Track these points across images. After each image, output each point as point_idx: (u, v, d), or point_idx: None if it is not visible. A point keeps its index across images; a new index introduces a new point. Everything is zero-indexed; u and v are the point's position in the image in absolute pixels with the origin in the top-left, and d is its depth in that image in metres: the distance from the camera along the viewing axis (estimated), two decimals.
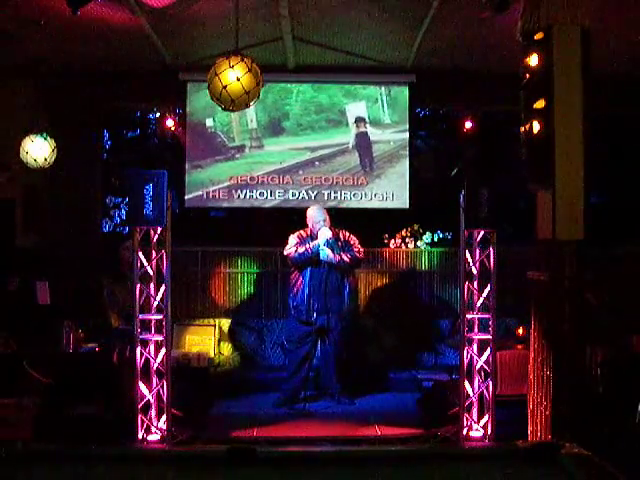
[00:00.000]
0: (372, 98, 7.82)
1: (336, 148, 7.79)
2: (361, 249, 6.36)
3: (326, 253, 6.19)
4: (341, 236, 6.34)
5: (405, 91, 7.78)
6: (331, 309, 6.17)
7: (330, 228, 6.31)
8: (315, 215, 6.36)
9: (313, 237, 6.31)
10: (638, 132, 8.40)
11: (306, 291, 6.20)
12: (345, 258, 6.22)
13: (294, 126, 7.80)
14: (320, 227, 6.25)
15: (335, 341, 6.25)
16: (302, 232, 6.40)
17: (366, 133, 7.81)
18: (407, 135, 7.82)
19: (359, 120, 7.81)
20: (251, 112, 7.67)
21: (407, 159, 7.80)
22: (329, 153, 7.78)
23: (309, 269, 6.24)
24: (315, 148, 7.79)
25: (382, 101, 7.82)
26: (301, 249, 6.23)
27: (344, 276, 6.29)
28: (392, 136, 7.83)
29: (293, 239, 6.36)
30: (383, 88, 7.80)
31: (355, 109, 7.81)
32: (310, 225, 6.38)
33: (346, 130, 7.81)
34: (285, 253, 6.38)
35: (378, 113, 7.82)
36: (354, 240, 6.37)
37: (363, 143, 7.82)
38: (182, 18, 5.93)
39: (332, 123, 7.81)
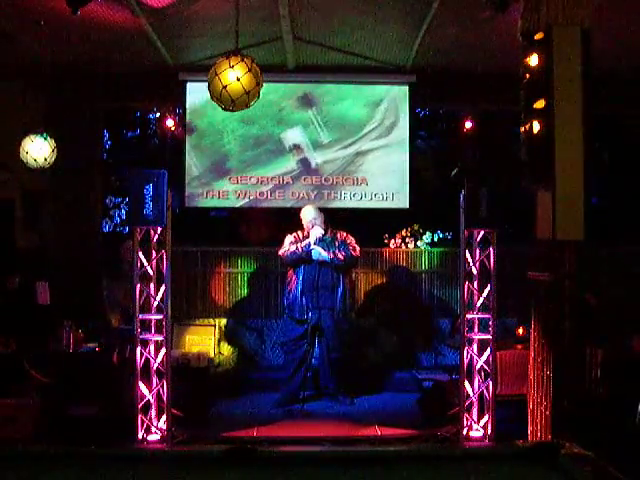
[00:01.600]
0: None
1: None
2: (357, 248, 6.37)
3: (318, 252, 6.21)
4: (338, 236, 6.37)
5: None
6: (323, 306, 6.19)
7: (327, 227, 6.34)
8: (307, 215, 6.42)
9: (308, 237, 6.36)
10: (638, 132, 8.40)
11: (299, 289, 6.25)
12: (339, 256, 6.23)
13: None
14: (312, 226, 6.31)
15: (328, 339, 6.25)
16: (298, 233, 6.45)
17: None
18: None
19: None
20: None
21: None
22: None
23: (302, 267, 6.28)
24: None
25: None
26: (292, 248, 6.28)
27: (339, 274, 6.29)
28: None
29: (288, 239, 6.41)
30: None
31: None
32: (304, 225, 6.44)
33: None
34: (279, 253, 6.45)
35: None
36: (350, 239, 6.39)
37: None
38: (182, 18, 5.93)
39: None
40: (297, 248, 6.26)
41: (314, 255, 6.23)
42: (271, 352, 7.41)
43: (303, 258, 6.27)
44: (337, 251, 6.25)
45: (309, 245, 6.25)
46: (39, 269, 6.54)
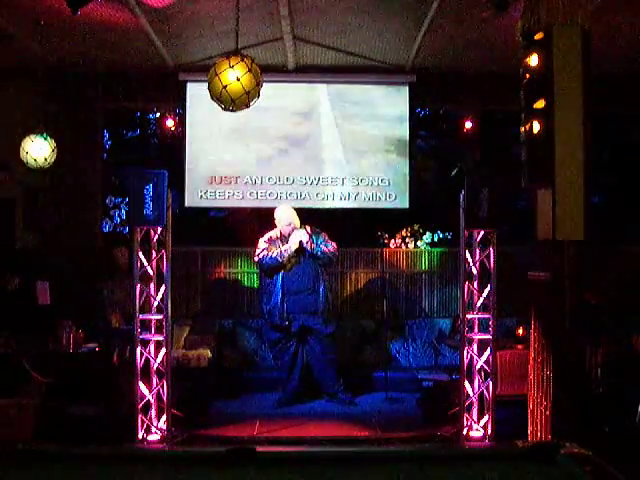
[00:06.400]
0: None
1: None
2: (333, 243, 6.22)
3: (298, 237, 5.94)
4: (309, 230, 6.17)
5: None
6: (307, 309, 6.11)
7: (302, 226, 6.16)
8: (283, 216, 6.17)
9: (284, 239, 6.14)
10: (638, 132, 8.40)
11: (279, 294, 6.08)
12: (326, 249, 6.05)
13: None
14: (290, 230, 6.08)
15: (320, 340, 6.20)
16: (272, 234, 6.21)
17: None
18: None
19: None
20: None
21: None
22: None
23: (281, 272, 6.08)
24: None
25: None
26: (273, 253, 6.03)
27: (319, 274, 6.16)
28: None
29: (263, 243, 6.14)
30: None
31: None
32: (280, 226, 6.19)
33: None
34: (256, 258, 6.18)
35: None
36: (325, 235, 6.23)
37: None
38: (182, 18, 5.93)
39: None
40: (279, 254, 6.00)
41: (293, 241, 5.92)
42: (271, 352, 7.39)
43: (282, 265, 6.01)
44: (323, 245, 6.09)
45: (290, 251, 6.01)
46: (39, 269, 6.54)
